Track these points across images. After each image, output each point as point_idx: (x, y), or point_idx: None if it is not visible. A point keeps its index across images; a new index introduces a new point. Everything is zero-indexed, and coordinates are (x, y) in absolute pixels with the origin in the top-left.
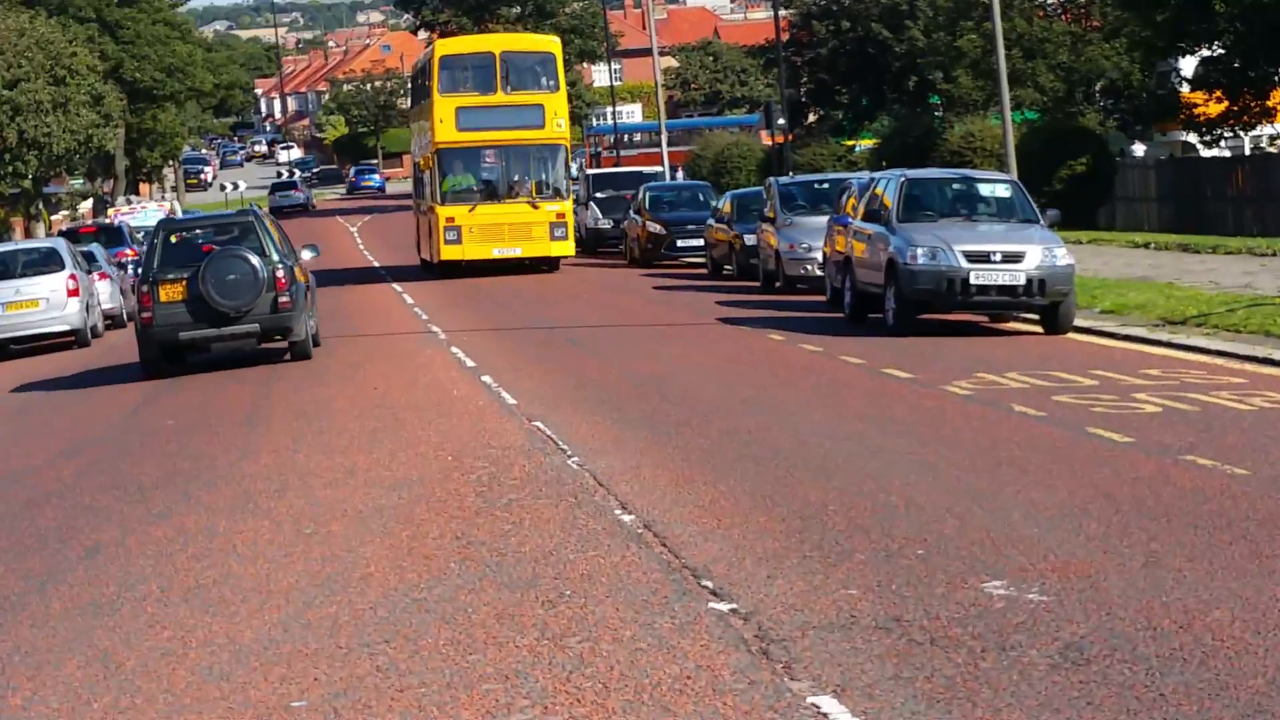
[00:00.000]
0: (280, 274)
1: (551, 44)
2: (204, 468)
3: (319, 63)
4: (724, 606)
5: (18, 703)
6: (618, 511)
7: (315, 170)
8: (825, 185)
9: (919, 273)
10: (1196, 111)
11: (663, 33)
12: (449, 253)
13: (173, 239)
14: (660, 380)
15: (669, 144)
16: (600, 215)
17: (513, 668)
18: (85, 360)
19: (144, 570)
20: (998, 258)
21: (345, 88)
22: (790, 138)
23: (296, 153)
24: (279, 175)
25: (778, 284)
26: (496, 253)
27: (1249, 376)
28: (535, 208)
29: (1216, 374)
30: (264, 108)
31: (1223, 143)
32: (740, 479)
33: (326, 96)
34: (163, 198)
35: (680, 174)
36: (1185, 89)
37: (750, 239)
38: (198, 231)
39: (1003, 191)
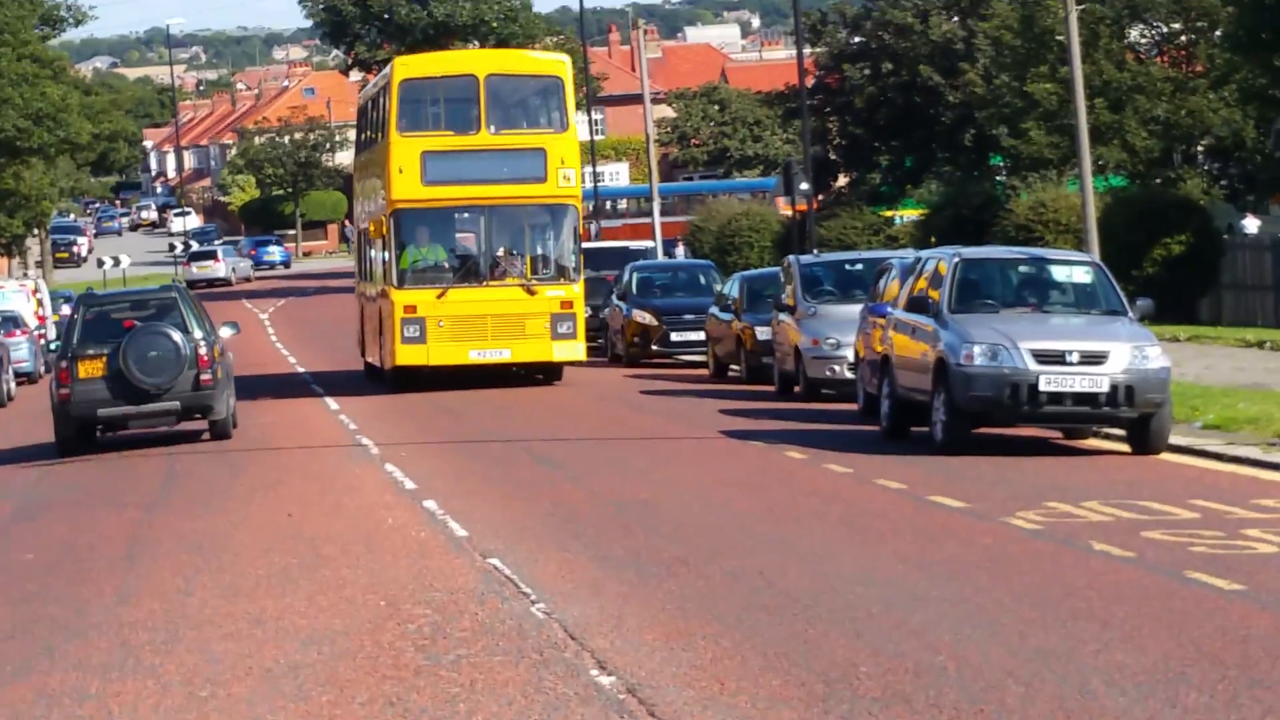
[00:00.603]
0: (203, 351)
1: (557, 65)
2: (73, 614)
3: (225, 109)
4: None
5: None
6: (594, 672)
7: (218, 242)
8: (859, 266)
9: (976, 376)
10: None
11: (657, 75)
12: (408, 355)
13: (92, 314)
14: (649, 508)
15: (662, 213)
16: None
17: None
18: None
19: None
20: (1075, 358)
21: (257, 140)
22: (815, 206)
23: (194, 220)
24: (171, 248)
25: (797, 389)
26: (475, 356)
27: None
28: (531, 293)
29: None
30: (155, 164)
31: None
32: (749, 633)
33: (233, 151)
34: (25, 275)
35: (681, 250)
36: None
37: (764, 333)
38: (119, 307)
39: (1081, 276)
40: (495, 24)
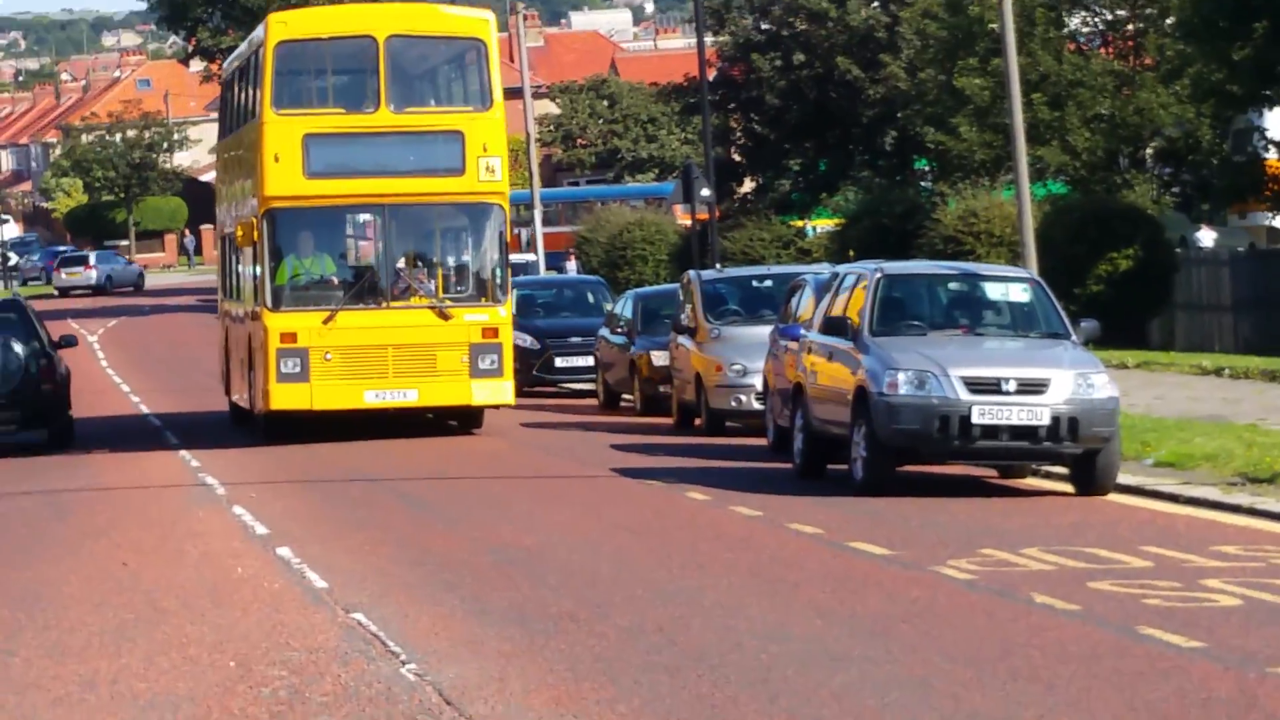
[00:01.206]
0: (45, 363)
1: (478, 24)
2: None
3: (48, 103)
4: None
5: None
6: None
7: (37, 249)
8: (767, 283)
9: (901, 407)
10: None
11: (539, 66)
12: (286, 397)
13: None
14: (533, 556)
15: (545, 222)
16: None
17: None
18: None
19: None
20: (1012, 387)
21: (85, 139)
22: (718, 215)
23: (13, 229)
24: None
25: (699, 421)
26: (372, 398)
27: None
28: (445, 317)
29: None
30: None
31: None
32: (648, 697)
33: (58, 151)
34: None
35: (572, 265)
36: (1273, 155)
37: (660, 358)
38: None
39: (1019, 294)
40: None
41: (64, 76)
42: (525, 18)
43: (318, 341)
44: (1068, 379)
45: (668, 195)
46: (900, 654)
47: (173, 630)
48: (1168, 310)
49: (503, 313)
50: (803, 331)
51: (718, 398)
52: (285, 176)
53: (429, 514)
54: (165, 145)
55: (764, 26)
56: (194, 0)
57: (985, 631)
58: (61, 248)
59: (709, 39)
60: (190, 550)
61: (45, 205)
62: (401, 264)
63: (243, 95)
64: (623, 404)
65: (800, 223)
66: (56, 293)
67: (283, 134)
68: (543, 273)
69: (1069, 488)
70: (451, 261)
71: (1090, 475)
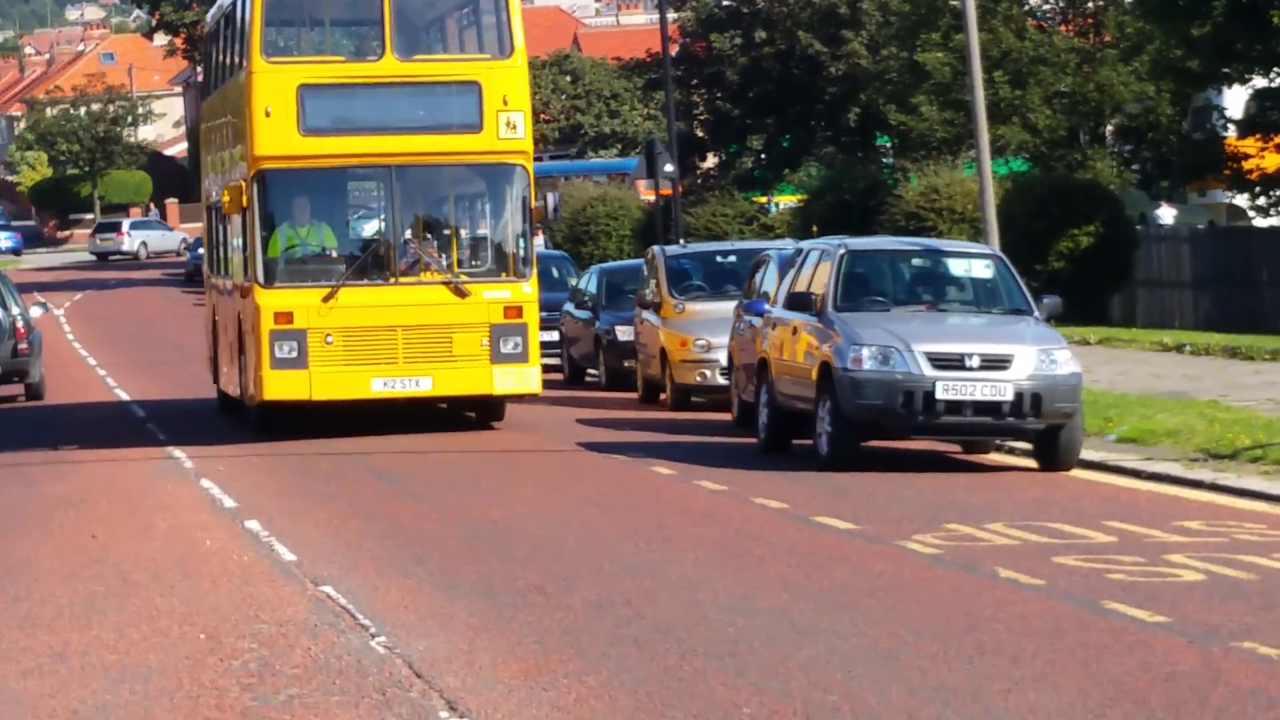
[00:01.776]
0: (20, 325)
1: None
2: None
3: (11, 76)
4: None
5: None
6: (444, 714)
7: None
8: (731, 259)
9: (865, 382)
10: (1247, 164)
11: None
12: (281, 385)
13: None
14: (501, 530)
15: None
16: None
17: None
18: None
19: None
20: (975, 363)
21: (49, 112)
22: (681, 190)
23: None
24: None
25: (664, 396)
26: (380, 387)
27: None
28: (461, 294)
29: (1275, 528)
30: None
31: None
32: (616, 669)
33: (22, 124)
34: None
35: (540, 240)
36: (1232, 133)
37: (625, 333)
38: None
39: (982, 270)
40: None
41: (27, 50)
42: None
43: (317, 322)
44: (1031, 355)
45: (631, 171)
46: (866, 627)
47: (142, 602)
48: (1129, 287)
49: (527, 289)
50: (767, 307)
51: (683, 373)
52: (278, 134)
53: (397, 488)
54: (129, 119)
55: (725, 3)
56: None
57: (951, 605)
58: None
59: (671, 15)
60: (159, 523)
61: (10, 179)
62: (411, 234)
63: (228, 46)
64: (588, 379)
65: (763, 198)
66: (95, 258)
67: (274, 86)
68: None
69: (1032, 463)
70: (468, 231)
71: (1053, 451)
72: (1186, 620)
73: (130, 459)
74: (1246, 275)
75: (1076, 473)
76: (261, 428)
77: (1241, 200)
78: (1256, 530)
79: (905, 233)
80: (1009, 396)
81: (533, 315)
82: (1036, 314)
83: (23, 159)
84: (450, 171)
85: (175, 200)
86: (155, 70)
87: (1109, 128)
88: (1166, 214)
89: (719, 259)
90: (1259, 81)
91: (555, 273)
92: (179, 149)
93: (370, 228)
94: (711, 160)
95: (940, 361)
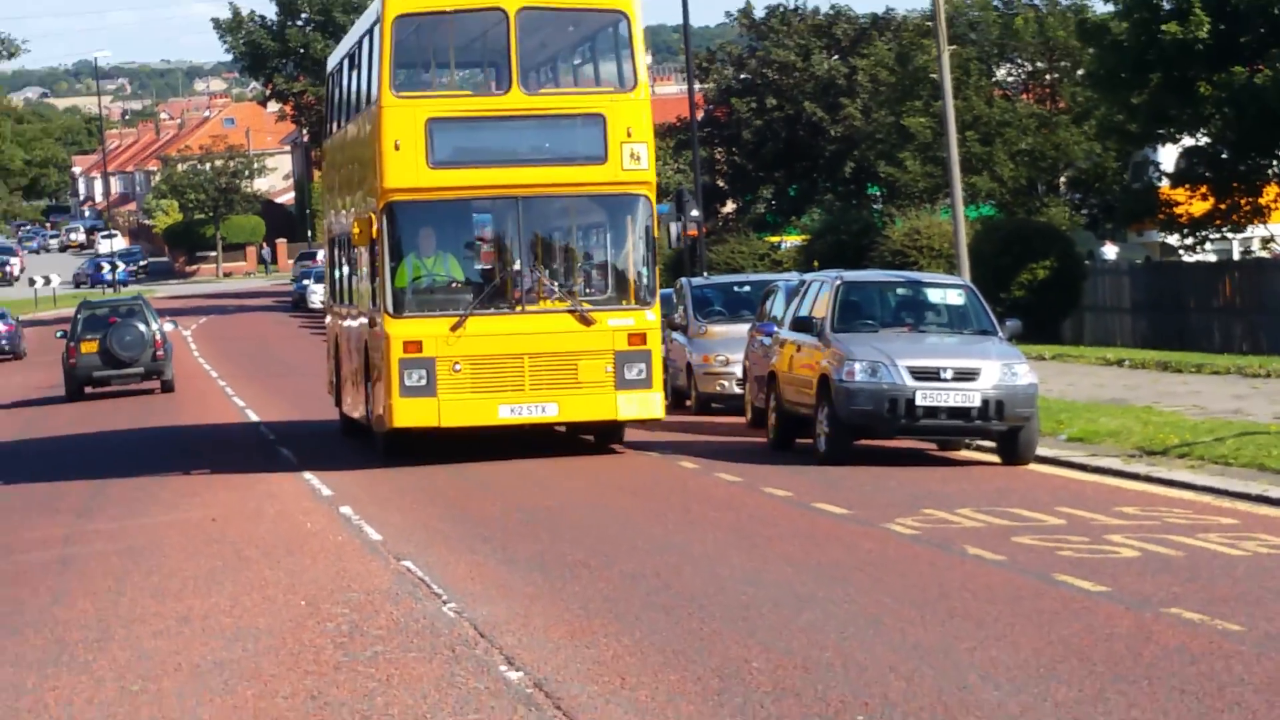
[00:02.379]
0: (159, 337)
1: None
2: (9, 612)
3: (149, 138)
4: None
5: None
6: (503, 668)
7: (143, 263)
8: (746, 288)
9: (857, 391)
10: (1178, 210)
11: None
12: (410, 413)
13: (87, 314)
14: (553, 515)
15: None
16: None
17: None
18: None
19: None
20: (949, 375)
21: (180, 167)
22: (705, 231)
23: (120, 242)
24: (99, 268)
25: (689, 403)
26: (507, 413)
27: (1240, 516)
28: (586, 322)
29: (1203, 513)
30: (83, 189)
31: (1208, 246)
32: (647, 631)
33: (158, 177)
34: None
35: None
36: (1165, 183)
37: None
38: (104, 310)
39: (955, 298)
40: None
41: (163, 116)
42: None
43: (445, 351)
44: (995, 368)
45: (664, 215)
46: (856, 596)
47: (254, 575)
48: (1077, 312)
49: (650, 316)
50: (776, 329)
51: (705, 383)
52: (407, 166)
53: (467, 481)
54: (246, 173)
55: (742, 76)
56: (270, 52)
57: (927, 578)
58: (162, 259)
59: (697, 85)
60: (268, 509)
61: (147, 222)
62: (537, 263)
63: (354, 83)
64: None
65: (774, 238)
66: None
67: (403, 119)
68: None
69: (996, 459)
70: (593, 260)
71: (1014, 448)
72: (1124, 590)
73: (242, 455)
74: (1176, 302)
75: (1033, 467)
76: (387, 453)
77: (1173, 240)
78: (1184, 515)
79: (892, 267)
80: (977, 403)
81: (656, 342)
82: (1000, 335)
83: (158, 206)
84: (575, 202)
85: (284, 240)
86: (268, 132)
87: (1062, 179)
88: (1110, 251)
89: (735, 289)
90: (1188, 140)
91: None
92: (287, 197)
93: (497, 257)
94: (730, 206)
95: (919, 374)
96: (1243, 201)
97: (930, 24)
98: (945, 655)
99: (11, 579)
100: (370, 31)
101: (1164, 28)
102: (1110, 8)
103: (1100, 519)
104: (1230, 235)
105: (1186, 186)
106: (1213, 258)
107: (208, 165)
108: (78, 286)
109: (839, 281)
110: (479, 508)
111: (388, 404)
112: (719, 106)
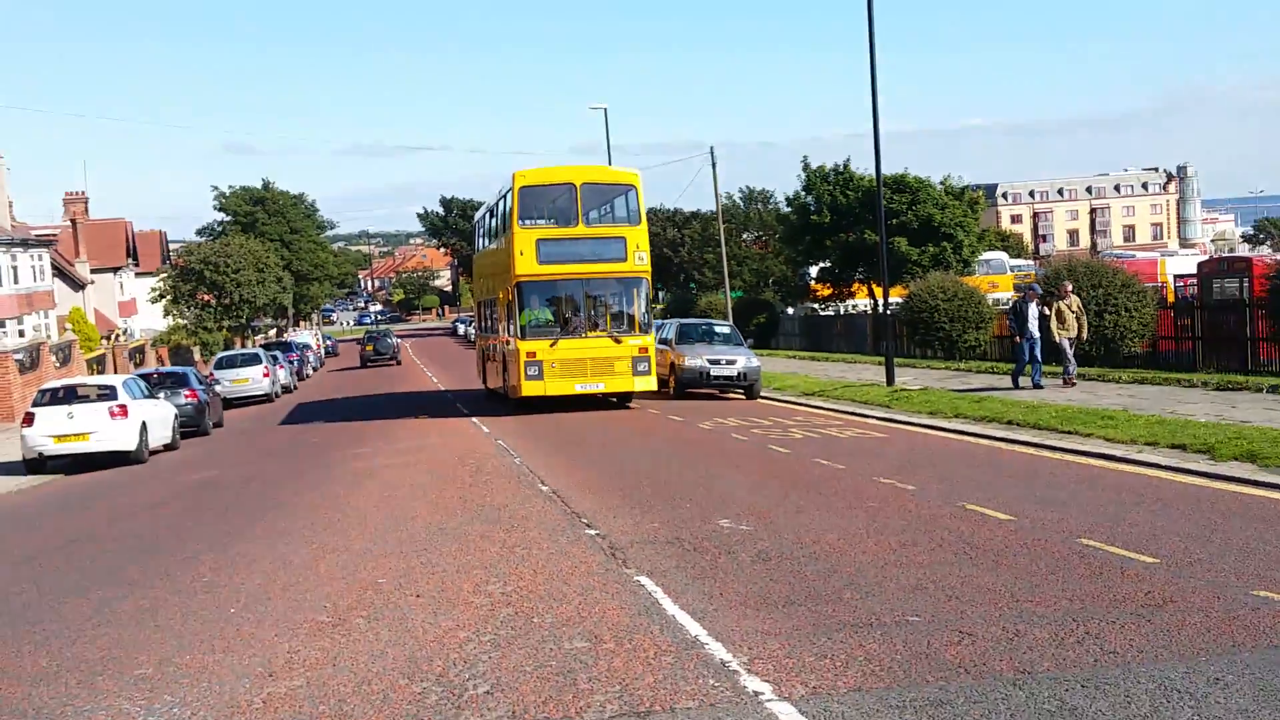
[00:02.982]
0: (396, 344)
1: (632, 176)
2: (320, 474)
3: (390, 262)
4: (592, 532)
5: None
6: (541, 486)
7: (387, 315)
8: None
9: (686, 369)
10: (818, 293)
11: None
12: (530, 388)
13: (369, 333)
14: (611, 448)
15: None
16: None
17: (490, 562)
18: (270, 410)
19: (314, 504)
20: (723, 361)
21: (404, 275)
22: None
23: (377, 307)
24: (364, 319)
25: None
26: (579, 388)
27: (844, 420)
28: (618, 341)
29: (830, 419)
30: (364, 284)
31: (830, 308)
32: (600, 468)
33: (393, 281)
34: (311, 329)
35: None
36: (813, 281)
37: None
38: (375, 332)
39: (726, 330)
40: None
41: (395, 254)
42: None
43: (548, 356)
44: (743, 358)
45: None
46: (680, 451)
47: (439, 445)
48: (776, 337)
49: (648, 339)
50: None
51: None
52: (527, 263)
53: (563, 432)
54: (431, 278)
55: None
56: (441, 228)
57: (711, 445)
58: (396, 313)
59: None
60: (456, 444)
61: (389, 299)
62: (597, 311)
63: (492, 222)
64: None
65: (660, 305)
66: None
67: (525, 239)
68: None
69: (744, 397)
70: (619, 310)
71: (751, 392)
72: (796, 452)
73: (431, 402)
74: (817, 333)
75: (760, 400)
76: (516, 408)
77: (816, 306)
78: (822, 419)
79: (702, 315)
80: (735, 373)
81: (652, 353)
82: (745, 345)
83: (394, 291)
84: (611, 281)
85: (448, 306)
86: (440, 262)
87: (771, 280)
88: (790, 310)
89: (683, 325)
90: (823, 264)
91: None
92: (448, 287)
93: (572, 309)
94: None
95: (712, 361)
96: (844, 291)
97: (714, 215)
98: (711, 473)
99: (330, 458)
100: (507, 194)
101: (812, 218)
102: (786, 207)
103: (786, 422)
104: (839, 304)
105: (821, 283)
106: (831, 313)
107: (416, 274)
108: (359, 323)
109: (677, 322)
110: (581, 451)
111: (518, 384)
112: None
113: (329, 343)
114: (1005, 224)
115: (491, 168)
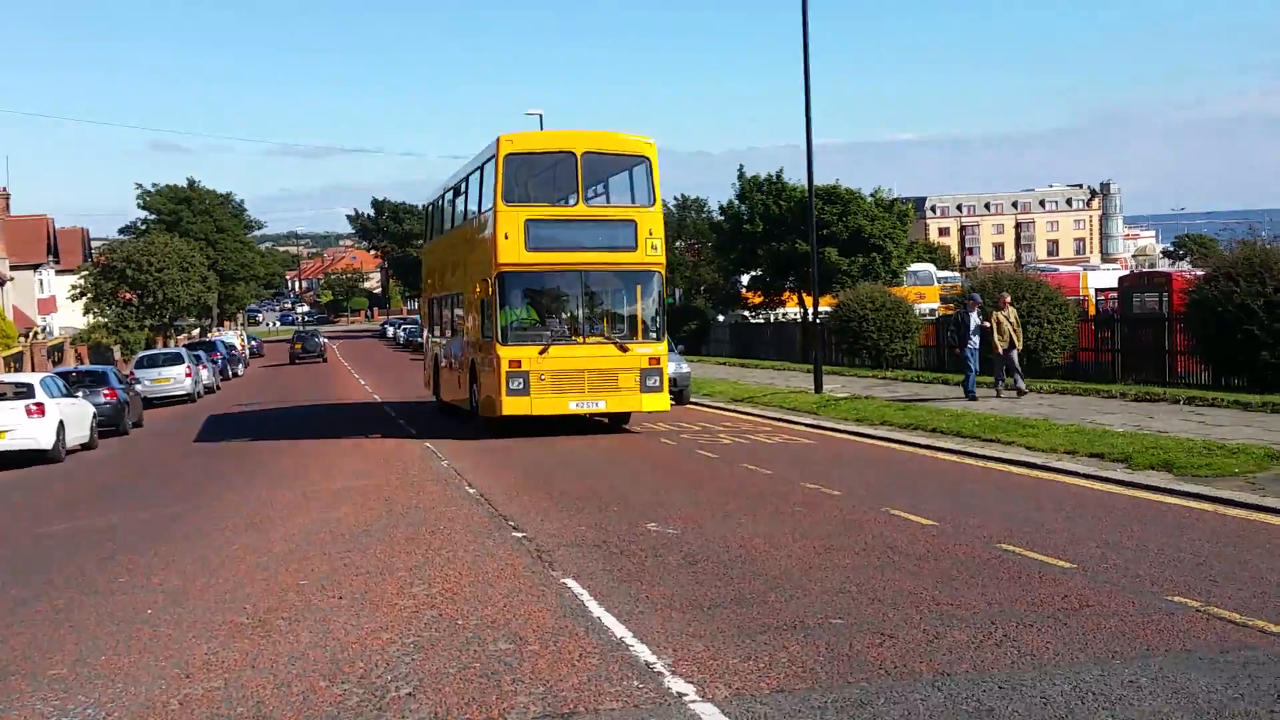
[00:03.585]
0: (323, 343)
1: (646, 145)
2: (271, 471)
3: (318, 263)
4: (519, 535)
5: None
6: (468, 489)
7: (315, 316)
8: None
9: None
10: (750, 300)
11: None
12: (513, 405)
13: (297, 332)
14: (563, 465)
15: None
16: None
17: (416, 564)
18: (192, 410)
19: (236, 503)
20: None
21: (332, 277)
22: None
23: (304, 308)
24: (293, 320)
25: None
26: (574, 406)
27: (771, 426)
28: (624, 350)
29: (758, 425)
30: (291, 285)
31: (760, 316)
32: (577, 509)
33: (322, 282)
34: (236, 329)
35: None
36: (745, 289)
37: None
38: (303, 332)
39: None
40: None
41: (324, 255)
42: None
43: (536, 366)
44: (674, 364)
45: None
46: (615, 459)
47: (382, 465)
48: (708, 343)
49: (661, 347)
50: None
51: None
52: (512, 249)
53: (505, 440)
54: (361, 280)
55: None
56: (372, 231)
57: (643, 448)
58: (324, 315)
59: None
60: (395, 453)
61: (318, 299)
62: (598, 312)
63: (458, 204)
64: None
65: None
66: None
67: (511, 220)
68: None
69: (674, 401)
70: (626, 311)
71: (682, 398)
72: (724, 456)
73: (359, 408)
74: (748, 340)
75: (689, 406)
76: (490, 431)
77: (747, 314)
78: (750, 425)
79: None
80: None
81: (665, 364)
82: (676, 351)
83: (322, 292)
84: (616, 274)
85: (376, 308)
86: (372, 266)
87: (704, 288)
88: (721, 318)
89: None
90: (754, 272)
91: None
92: (377, 289)
93: (568, 308)
94: None
95: None
96: (775, 299)
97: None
98: (639, 477)
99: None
100: (487, 163)
101: (745, 226)
102: (720, 215)
103: (715, 427)
104: (768, 312)
105: (753, 291)
106: (762, 321)
107: (345, 275)
108: (284, 323)
109: None
110: (523, 458)
111: (498, 400)
112: None
113: (254, 343)
114: (933, 236)
115: (425, 172)
